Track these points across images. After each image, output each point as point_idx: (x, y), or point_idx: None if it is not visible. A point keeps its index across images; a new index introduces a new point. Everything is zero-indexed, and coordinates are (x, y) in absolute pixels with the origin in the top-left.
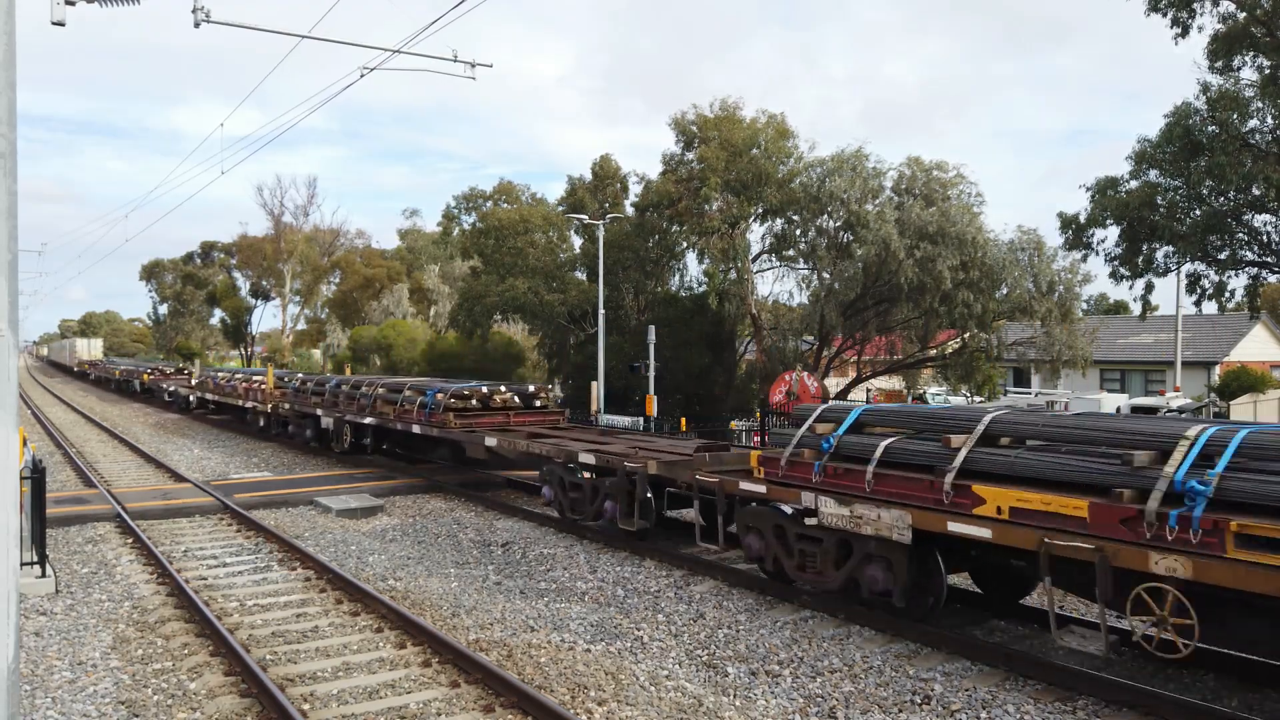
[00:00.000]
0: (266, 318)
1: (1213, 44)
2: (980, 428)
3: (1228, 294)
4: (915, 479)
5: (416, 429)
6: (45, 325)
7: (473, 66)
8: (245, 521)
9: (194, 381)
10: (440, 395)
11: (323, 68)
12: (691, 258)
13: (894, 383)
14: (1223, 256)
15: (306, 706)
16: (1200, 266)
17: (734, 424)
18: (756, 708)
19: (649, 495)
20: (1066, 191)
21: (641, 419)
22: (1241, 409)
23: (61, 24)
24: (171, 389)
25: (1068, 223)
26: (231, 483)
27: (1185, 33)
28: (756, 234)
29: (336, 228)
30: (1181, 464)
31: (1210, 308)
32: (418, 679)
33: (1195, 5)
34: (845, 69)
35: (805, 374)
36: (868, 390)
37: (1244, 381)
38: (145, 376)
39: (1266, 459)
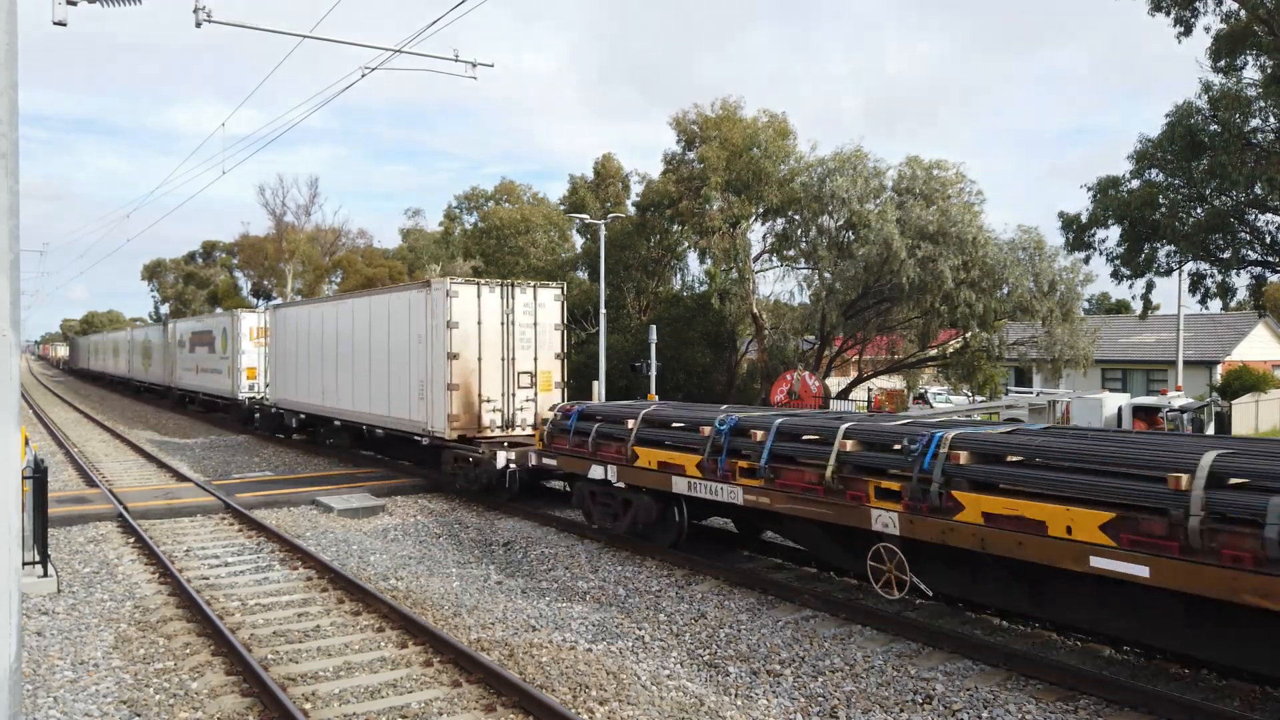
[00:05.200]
0: None
1: (1215, 43)
2: None
3: (1231, 293)
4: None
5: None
6: (46, 325)
7: (474, 66)
8: (247, 521)
9: None
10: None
11: (323, 68)
12: (693, 257)
13: (895, 382)
14: (1225, 256)
15: (308, 706)
16: (1203, 266)
17: None
18: (758, 707)
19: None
20: (1068, 190)
21: None
22: (1243, 409)
23: (63, 24)
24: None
25: (1069, 222)
26: (233, 482)
27: (1188, 31)
28: (757, 234)
29: (338, 227)
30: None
31: (1214, 305)
32: (419, 678)
33: (1198, 4)
34: (845, 65)
35: (806, 373)
36: (869, 390)
37: (1246, 381)
38: None
39: None
